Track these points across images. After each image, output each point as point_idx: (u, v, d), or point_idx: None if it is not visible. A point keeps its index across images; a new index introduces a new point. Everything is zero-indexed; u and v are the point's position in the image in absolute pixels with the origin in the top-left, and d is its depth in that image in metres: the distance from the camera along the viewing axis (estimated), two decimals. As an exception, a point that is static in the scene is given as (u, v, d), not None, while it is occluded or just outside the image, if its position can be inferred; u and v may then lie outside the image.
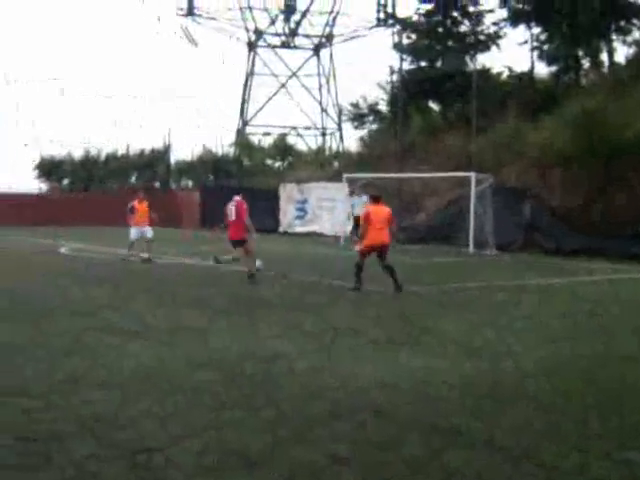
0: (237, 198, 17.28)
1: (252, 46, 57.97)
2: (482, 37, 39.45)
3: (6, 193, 48.04)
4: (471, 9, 39.79)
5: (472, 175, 27.29)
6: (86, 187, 52.92)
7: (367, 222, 15.32)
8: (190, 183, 56.56)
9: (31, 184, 54.15)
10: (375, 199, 16.11)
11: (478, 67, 36.52)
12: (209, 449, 5.58)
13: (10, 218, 41.49)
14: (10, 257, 23.26)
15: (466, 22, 39.96)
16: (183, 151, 57.91)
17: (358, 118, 46.41)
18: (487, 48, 39.27)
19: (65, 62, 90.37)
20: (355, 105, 46.30)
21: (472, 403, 7.01)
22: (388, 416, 6.53)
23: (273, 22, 57.51)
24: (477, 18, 39.56)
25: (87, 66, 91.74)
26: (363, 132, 47.09)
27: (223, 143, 54.81)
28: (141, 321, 11.31)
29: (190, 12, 56.29)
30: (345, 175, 32.30)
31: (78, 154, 55.76)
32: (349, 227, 29.88)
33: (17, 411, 6.43)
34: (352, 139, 49.37)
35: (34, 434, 5.82)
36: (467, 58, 38.74)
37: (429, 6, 40.07)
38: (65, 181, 56.70)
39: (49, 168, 55.29)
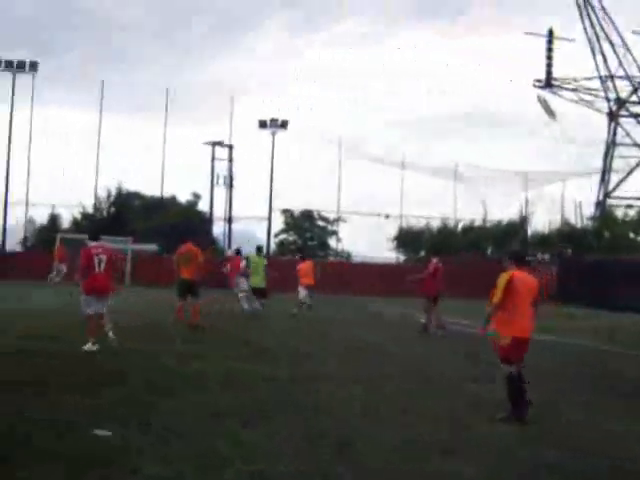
0: None
1: (613, 115, 56.31)
2: None
3: (365, 263, 50.55)
4: None
5: None
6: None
7: (510, 294, 9.22)
8: (546, 256, 55.53)
9: (388, 254, 56.61)
10: (519, 260, 9.86)
11: None
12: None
13: (369, 287, 43.22)
14: (382, 326, 24.14)
15: None
16: (540, 223, 57.12)
17: None
18: None
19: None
20: None
21: None
22: None
23: (636, 90, 55.57)
24: None
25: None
26: None
27: (582, 215, 53.41)
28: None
29: (548, 84, 56.11)
30: None
31: (436, 225, 57.43)
32: None
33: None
34: None
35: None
36: None
37: None
38: (422, 252, 58.31)
39: (407, 239, 57.21)
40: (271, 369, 12.60)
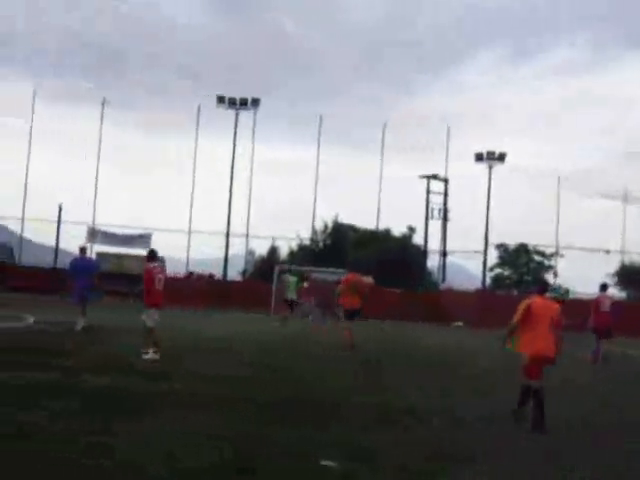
0: None
1: None
2: None
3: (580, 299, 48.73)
4: None
5: None
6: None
7: (526, 317, 10.65)
8: None
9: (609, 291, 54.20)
10: (541, 289, 11.41)
11: None
12: None
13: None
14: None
15: None
16: None
17: None
18: None
19: None
20: None
21: None
22: None
23: None
24: None
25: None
26: None
27: None
28: None
29: None
30: None
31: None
32: None
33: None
34: None
35: None
36: None
37: None
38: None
39: (630, 275, 54.75)
40: (483, 405, 12.20)
